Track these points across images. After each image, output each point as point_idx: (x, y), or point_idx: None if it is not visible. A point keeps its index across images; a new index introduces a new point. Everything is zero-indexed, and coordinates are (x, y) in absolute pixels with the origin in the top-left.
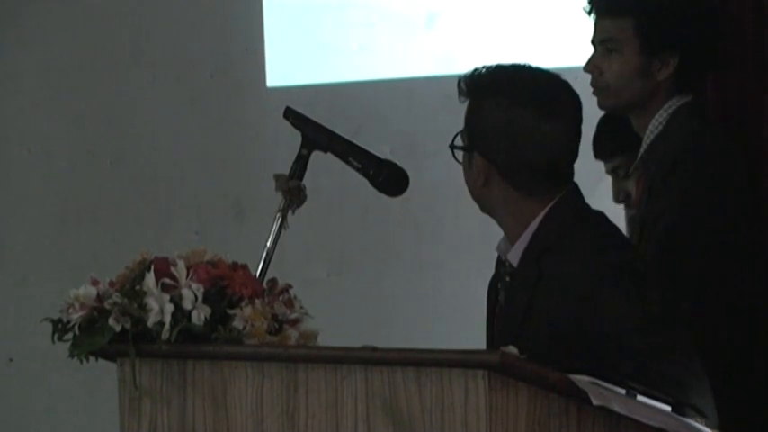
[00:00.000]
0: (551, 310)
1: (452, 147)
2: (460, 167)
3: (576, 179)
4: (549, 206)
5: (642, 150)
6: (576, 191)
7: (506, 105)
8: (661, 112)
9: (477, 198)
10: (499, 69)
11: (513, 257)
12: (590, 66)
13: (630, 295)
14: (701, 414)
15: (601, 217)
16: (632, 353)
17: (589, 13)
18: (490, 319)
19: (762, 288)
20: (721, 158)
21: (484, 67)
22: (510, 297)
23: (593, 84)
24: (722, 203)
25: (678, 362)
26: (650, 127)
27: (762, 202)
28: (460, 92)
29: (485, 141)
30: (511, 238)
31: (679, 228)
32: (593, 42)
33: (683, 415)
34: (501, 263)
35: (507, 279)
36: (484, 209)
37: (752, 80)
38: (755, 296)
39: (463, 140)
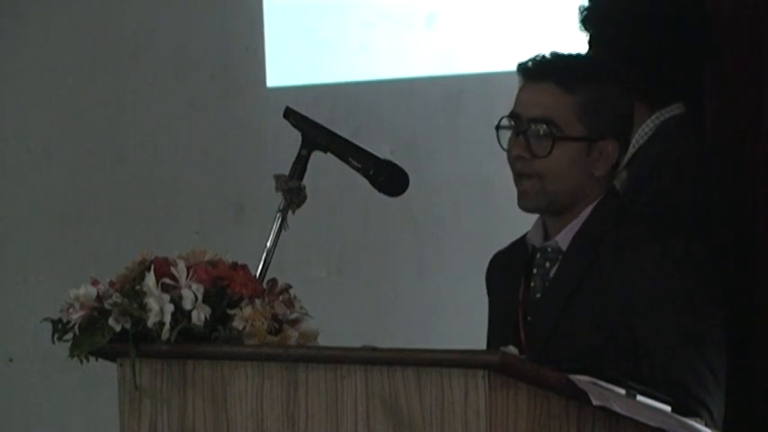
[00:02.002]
0: (605, 291)
1: (581, 138)
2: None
3: None
4: (605, 193)
5: (625, 160)
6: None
7: (627, 92)
8: (648, 122)
9: (576, 188)
10: (586, 57)
11: (563, 241)
12: None
13: (689, 291)
14: (713, 422)
15: None
16: (675, 352)
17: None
18: (501, 313)
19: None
20: (689, 179)
21: (560, 54)
22: (557, 279)
23: None
24: (681, 225)
25: (710, 368)
26: (636, 136)
27: (754, 214)
28: (542, 76)
29: (624, 127)
30: (559, 226)
31: None
32: None
33: (683, 415)
34: (523, 252)
35: (547, 265)
36: (567, 201)
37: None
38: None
39: (563, 130)
